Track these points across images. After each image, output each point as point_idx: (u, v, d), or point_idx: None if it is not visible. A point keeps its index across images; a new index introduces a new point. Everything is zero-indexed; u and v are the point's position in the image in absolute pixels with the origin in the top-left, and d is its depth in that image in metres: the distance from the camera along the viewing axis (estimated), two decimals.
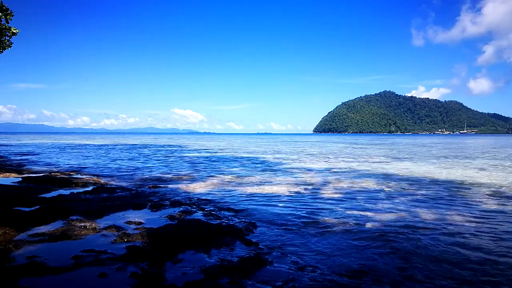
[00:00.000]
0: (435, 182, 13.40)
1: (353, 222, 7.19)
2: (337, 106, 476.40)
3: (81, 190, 10.62)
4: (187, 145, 53.07)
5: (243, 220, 7.37)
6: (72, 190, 10.54)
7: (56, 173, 14.99)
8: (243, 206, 8.80)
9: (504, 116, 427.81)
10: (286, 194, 10.59)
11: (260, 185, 12.42)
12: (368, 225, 6.97)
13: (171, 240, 5.66)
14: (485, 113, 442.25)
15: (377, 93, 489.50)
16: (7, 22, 11.17)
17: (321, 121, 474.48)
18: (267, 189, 11.41)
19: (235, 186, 12.15)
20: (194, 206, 8.65)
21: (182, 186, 11.90)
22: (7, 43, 12.05)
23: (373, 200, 9.62)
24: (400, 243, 5.78)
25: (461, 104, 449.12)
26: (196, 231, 6.13)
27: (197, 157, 27.21)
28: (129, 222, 6.93)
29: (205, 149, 39.43)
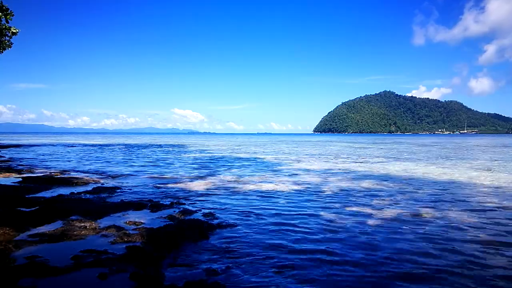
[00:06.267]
0: (435, 182, 13.39)
1: (353, 219, 7.20)
2: (337, 106, 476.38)
3: (81, 190, 10.61)
4: (187, 145, 53.06)
5: (243, 218, 7.37)
6: (72, 190, 10.53)
7: (56, 173, 14.99)
8: (243, 205, 8.78)
9: (504, 116, 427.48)
10: (286, 193, 10.58)
11: (261, 185, 12.40)
12: (368, 222, 6.97)
13: (171, 240, 5.66)
14: (485, 113, 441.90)
15: (377, 93, 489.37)
16: (7, 22, 11.16)
17: (321, 121, 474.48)
18: (267, 189, 11.40)
19: (235, 186, 12.14)
20: (194, 206, 8.64)
21: (183, 186, 11.89)
22: (7, 43, 12.05)
23: (372, 199, 9.61)
24: (397, 240, 5.79)
25: (461, 104, 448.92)
26: (197, 231, 6.13)
27: (197, 157, 27.21)
28: (129, 222, 6.92)
29: (205, 149, 39.43)
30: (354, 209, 8.47)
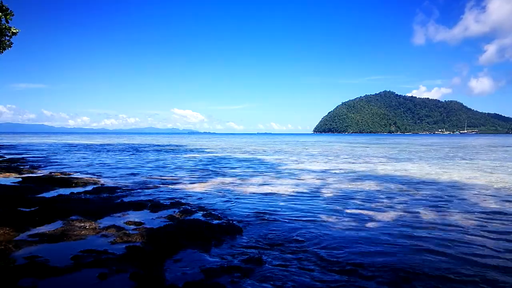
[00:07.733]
0: (435, 182, 13.39)
1: (353, 221, 7.20)
2: (337, 106, 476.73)
3: (81, 190, 10.61)
4: (187, 145, 53.06)
5: (243, 219, 7.37)
6: (72, 190, 10.53)
7: (56, 173, 14.98)
8: (243, 206, 8.79)
9: (504, 116, 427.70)
10: (287, 194, 10.58)
11: (261, 186, 12.40)
12: (368, 224, 6.97)
13: (171, 240, 5.66)
14: (485, 113, 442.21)
15: (377, 93, 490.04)
16: (7, 22, 11.18)
17: (321, 121, 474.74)
18: (267, 190, 11.39)
19: (235, 187, 12.14)
20: (194, 206, 8.64)
21: (183, 187, 11.89)
22: (7, 43, 12.07)
23: (372, 200, 9.61)
24: (397, 242, 5.78)
25: (462, 104, 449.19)
26: (197, 231, 6.13)
27: (197, 157, 27.21)
28: (129, 222, 6.92)
29: (205, 150, 39.43)
30: (355, 211, 8.46)
